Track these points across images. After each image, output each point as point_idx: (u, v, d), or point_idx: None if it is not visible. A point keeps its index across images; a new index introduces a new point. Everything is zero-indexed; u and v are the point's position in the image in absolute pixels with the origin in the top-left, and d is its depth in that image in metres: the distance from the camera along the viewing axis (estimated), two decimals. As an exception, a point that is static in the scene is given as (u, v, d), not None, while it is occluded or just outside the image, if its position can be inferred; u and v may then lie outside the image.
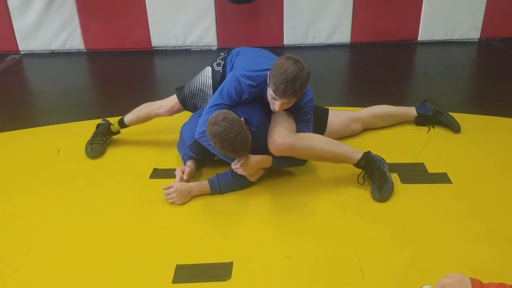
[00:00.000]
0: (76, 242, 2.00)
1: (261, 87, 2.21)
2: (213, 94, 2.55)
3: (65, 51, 4.40)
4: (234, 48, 2.57)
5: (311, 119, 2.31)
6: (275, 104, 2.11)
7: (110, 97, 3.54)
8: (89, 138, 2.68)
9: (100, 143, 2.67)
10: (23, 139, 2.89)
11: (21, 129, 2.99)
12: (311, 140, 2.23)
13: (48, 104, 3.51)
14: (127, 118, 2.67)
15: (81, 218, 2.15)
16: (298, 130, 2.26)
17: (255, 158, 2.20)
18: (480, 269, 1.69)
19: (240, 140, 2.03)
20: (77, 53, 4.41)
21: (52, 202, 2.26)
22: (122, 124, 2.69)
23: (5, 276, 1.81)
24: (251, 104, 2.26)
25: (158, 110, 2.59)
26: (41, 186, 2.39)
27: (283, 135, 2.18)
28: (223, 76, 2.50)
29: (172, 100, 2.57)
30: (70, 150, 2.71)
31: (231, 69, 2.45)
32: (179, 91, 2.56)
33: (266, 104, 2.26)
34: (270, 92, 2.09)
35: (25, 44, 4.36)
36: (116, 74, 4.00)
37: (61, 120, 3.10)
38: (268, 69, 2.15)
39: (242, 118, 2.11)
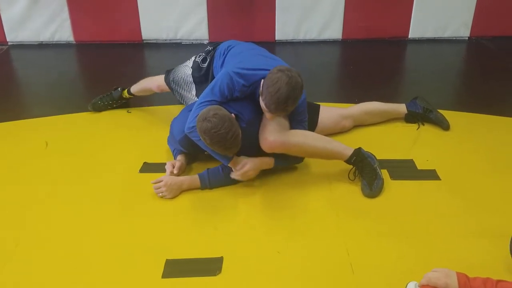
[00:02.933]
0: (65, 236, 1.98)
1: (254, 87, 2.20)
2: (194, 88, 2.57)
3: (54, 42, 4.34)
4: (222, 42, 2.57)
5: (305, 118, 2.31)
6: (267, 115, 2.14)
7: (99, 89, 3.44)
8: (100, 96, 3.01)
9: (105, 104, 3.00)
10: (10, 131, 2.85)
11: (8, 121, 2.96)
12: (304, 137, 2.23)
13: (37, 96, 3.46)
14: (133, 88, 2.94)
15: (70, 212, 2.13)
16: (293, 129, 2.26)
17: (257, 162, 2.20)
18: (469, 264, 1.71)
19: (231, 136, 2.02)
20: (66, 45, 4.35)
21: (40, 196, 2.23)
22: (129, 93, 2.97)
23: (-8, 270, 1.80)
24: (242, 100, 2.25)
25: (151, 84, 2.84)
26: (29, 179, 2.36)
27: (275, 133, 2.18)
28: (206, 72, 2.52)
29: (162, 78, 2.77)
30: (59, 143, 2.68)
31: (222, 64, 2.44)
32: (167, 74, 2.74)
33: (257, 101, 2.26)
34: (262, 104, 2.10)
35: (13, 35, 4.29)
36: (105, 66, 3.96)
37: (49, 113, 3.05)
38: (262, 69, 2.15)
39: (233, 114, 2.10)
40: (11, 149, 2.64)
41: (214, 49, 2.57)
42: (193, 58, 2.64)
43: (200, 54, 2.61)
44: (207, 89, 2.22)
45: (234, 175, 2.20)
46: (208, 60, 2.55)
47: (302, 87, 2.07)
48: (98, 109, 3.01)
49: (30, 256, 1.88)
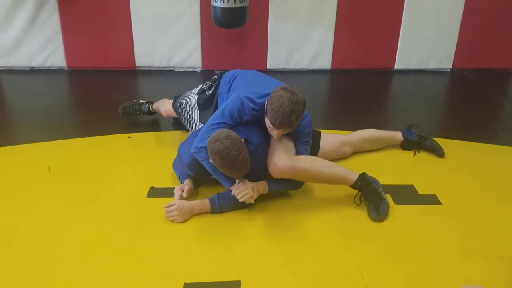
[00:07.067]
0: (79, 261, 1.96)
1: (262, 110, 2.27)
2: (197, 114, 2.65)
3: (45, 68, 4.33)
4: (227, 71, 2.66)
5: (309, 141, 2.39)
6: (273, 133, 2.20)
7: (92, 115, 3.45)
8: (132, 101, 3.23)
9: (133, 111, 3.20)
10: (8, 156, 2.81)
11: (3, 146, 2.90)
12: (311, 163, 2.30)
13: (30, 121, 3.39)
14: (154, 105, 3.15)
15: (81, 237, 2.11)
16: (297, 152, 2.33)
17: (256, 184, 2.25)
18: (474, 282, 1.79)
19: (241, 159, 2.08)
20: (58, 71, 4.34)
21: (48, 221, 2.21)
22: (152, 108, 3.17)
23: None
24: (250, 125, 2.31)
25: (160, 108, 3.05)
26: (35, 204, 2.33)
27: (283, 158, 2.24)
28: (211, 99, 2.59)
29: (170, 104, 2.90)
30: (62, 168, 2.67)
31: (228, 90, 2.51)
32: (174, 100, 2.86)
33: (265, 125, 2.33)
34: (267, 122, 2.16)
35: (4, 60, 4.26)
36: (98, 92, 3.94)
37: (43, 138, 3.01)
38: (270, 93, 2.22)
39: (242, 139, 2.15)
40: (13, 174, 2.60)
41: (220, 77, 2.65)
42: (200, 86, 2.73)
43: (207, 82, 2.70)
44: (218, 112, 2.28)
45: (236, 193, 2.21)
46: (214, 87, 2.63)
47: (305, 102, 2.15)
48: (126, 113, 3.24)
49: (43, 281, 1.85)
